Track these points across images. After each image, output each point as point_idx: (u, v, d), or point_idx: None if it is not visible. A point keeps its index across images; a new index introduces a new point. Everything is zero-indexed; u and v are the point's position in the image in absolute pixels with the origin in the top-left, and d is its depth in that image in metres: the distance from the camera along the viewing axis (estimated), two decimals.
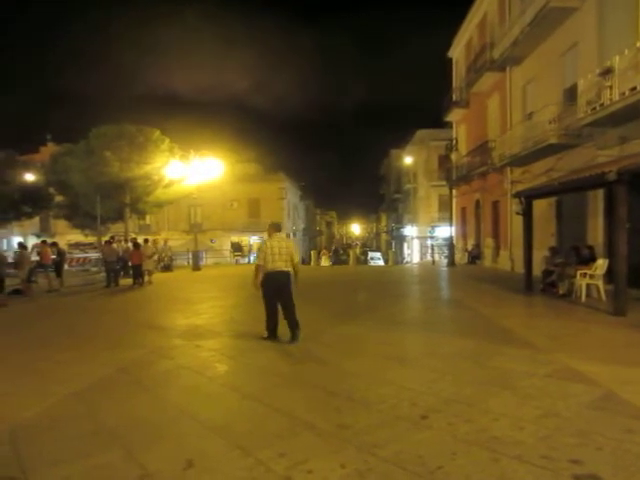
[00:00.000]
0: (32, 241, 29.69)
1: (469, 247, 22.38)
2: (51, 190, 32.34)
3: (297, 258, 6.74)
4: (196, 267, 20.96)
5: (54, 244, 16.58)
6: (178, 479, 2.91)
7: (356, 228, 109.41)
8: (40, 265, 15.44)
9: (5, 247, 37.35)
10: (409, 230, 40.75)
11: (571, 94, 12.19)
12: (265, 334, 6.62)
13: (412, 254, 38.95)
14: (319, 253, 31.45)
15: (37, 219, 38.88)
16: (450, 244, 21.74)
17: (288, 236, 42.35)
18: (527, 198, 11.10)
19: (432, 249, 27.74)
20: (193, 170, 21.66)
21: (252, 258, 29.57)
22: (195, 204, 25.60)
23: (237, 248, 27.98)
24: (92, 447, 3.39)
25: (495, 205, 19.09)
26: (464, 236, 23.86)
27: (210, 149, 23.01)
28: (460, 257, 22.75)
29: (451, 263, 20.61)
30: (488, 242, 20.03)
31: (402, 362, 5.40)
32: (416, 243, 38.13)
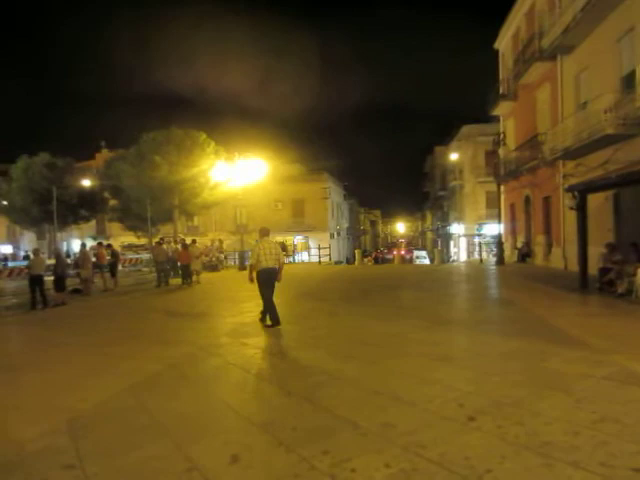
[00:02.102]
0: (89, 243, 31.23)
1: (519, 245, 21.58)
2: (105, 194, 33.99)
3: (283, 258, 8.12)
4: (242, 267, 21.35)
5: (109, 246, 17.37)
6: (224, 473, 2.96)
7: (401, 227, 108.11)
8: (96, 266, 16.23)
9: (65, 249, 39.48)
10: (455, 228, 39.79)
11: (629, 81, 11.49)
12: (269, 322, 7.60)
13: (459, 252, 38.03)
14: (364, 254, 31.22)
15: (93, 222, 40.93)
16: (499, 242, 21.03)
17: (332, 236, 42.45)
18: (581, 192, 10.57)
19: (480, 247, 26.97)
20: (238, 172, 22.09)
21: (297, 258, 29.83)
22: (240, 205, 26.13)
23: (282, 248, 28.30)
24: (143, 439, 3.52)
25: (546, 201, 18.30)
26: (513, 233, 23.03)
27: (254, 151, 23.39)
28: (509, 255, 21.98)
29: (500, 261, 19.93)
30: (539, 239, 19.23)
31: (449, 362, 5.27)
32: (463, 241, 37.19)
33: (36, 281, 12.14)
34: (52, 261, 15.20)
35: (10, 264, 30.02)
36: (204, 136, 27.42)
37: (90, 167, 38.58)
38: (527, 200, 20.60)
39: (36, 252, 13.64)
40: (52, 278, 13.32)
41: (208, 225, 40.20)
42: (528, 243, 20.69)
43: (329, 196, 42.79)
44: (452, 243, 42.47)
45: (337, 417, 3.73)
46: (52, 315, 11.03)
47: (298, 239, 39.93)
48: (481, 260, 24.02)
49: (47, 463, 3.23)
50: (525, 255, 20.47)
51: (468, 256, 34.01)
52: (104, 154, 41.58)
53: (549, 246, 18.15)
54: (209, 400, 4.36)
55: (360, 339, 6.56)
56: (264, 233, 8.06)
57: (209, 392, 4.59)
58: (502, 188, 22.57)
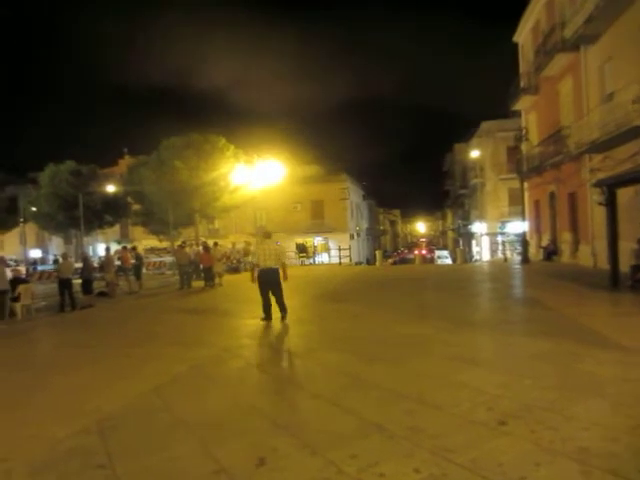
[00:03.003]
0: (113, 247, 31.86)
1: (544, 242, 21.12)
2: (129, 199, 34.64)
3: (284, 258, 8.72)
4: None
5: (134, 249, 17.63)
6: (251, 476, 2.94)
7: (421, 226, 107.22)
8: (121, 269, 16.51)
9: (91, 253, 40.31)
10: (477, 227, 39.20)
11: None
12: (262, 316, 8.20)
13: (481, 252, 37.44)
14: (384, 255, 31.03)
15: (117, 227, 41.78)
16: (523, 240, 20.62)
17: (352, 237, 42.32)
18: (610, 187, 10.26)
19: (503, 246, 26.52)
20: (257, 174, 22.21)
21: (317, 259, 29.85)
22: (260, 207, 26.26)
23: (302, 249, 28.32)
24: (170, 440, 3.53)
25: (572, 196, 17.86)
26: (538, 231, 22.55)
27: (272, 153, 23.49)
28: (534, 253, 21.53)
29: (525, 260, 19.54)
30: (565, 236, 18.78)
31: (476, 364, 5.15)
32: (485, 240, 36.61)
33: (65, 284, 12.41)
34: (79, 265, 15.53)
35: (40, 268, 30.83)
36: (223, 140, 27.70)
37: (113, 173, 39.37)
38: (552, 196, 20.15)
39: (65, 256, 13.96)
40: (80, 281, 13.61)
41: (228, 228, 40.52)
42: (554, 240, 20.23)
43: (348, 197, 42.68)
44: (474, 242, 41.86)
45: (363, 420, 3.67)
46: (80, 317, 11.26)
47: (318, 240, 39.92)
48: (505, 259, 23.61)
49: (79, 462, 3.27)
50: (551, 253, 20.02)
51: (491, 255, 33.47)
52: (127, 160, 42.36)
53: (576, 243, 17.70)
54: (233, 401, 4.35)
55: (383, 340, 6.49)
56: (265, 236, 8.97)
57: (233, 393, 4.59)
58: (525, 184, 22.12)
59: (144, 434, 3.70)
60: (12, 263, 30.61)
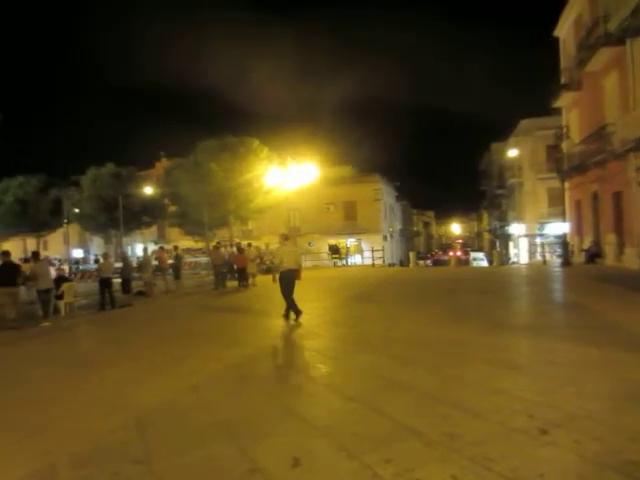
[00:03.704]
0: (151, 248, 32.77)
1: (586, 245, 20.33)
2: (165, 201, 35.55)
3: (301, 260, 9.36)
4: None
5: (175, 248, 17.96)
6: (286, 476, 2.95)
7: (456, 228, 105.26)
8: (158, 269, 16.94)
9: (130, 253, 41.56)
10: (515, 228, 38.15)
11: None
12: (284, 313, 8.59)
13: (519, 254, 36.41)
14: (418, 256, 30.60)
15: (155, 227, 42.94)
16: (563, 242, 19.90)
17: (385, 238, 42.00)
18: None
19: (542, 248, 25.69)
20: (290, 176, 22.34)
21: (350, 260, 29.74)
22: (293, 208, 26.40)
23: (335, 250, 28.28)
24: (206, 438, 3.58)
25: (617, 196, 17.12)
26: (580, 232, 21.73)
27: (305, 154, 23.59)
28: (576, 256, 20.76)
29: (565, 263, 18.85)
30: (609, 238, 18.02)
31: (515, 370, 5.00)
32: (523, 242, 35.58)
33: (105, 283, 12.83)
34: (119, 264, 16.05)
35: (81, 267, 32.05)
36: (257, 142, 28.06)
37: (151, 176, 40.48)
38: (595, 196, 19.38)
39: (105, 256, 14.44)
40: (119, 280, 14.05)
41: (262, 229, 40.94)
42: (597, 242, 19.45)
43: (381, 197, 42.39)
44: (511, 244, 40.76)
45: (398, 424, 3.62)
46: (119, 315, 11.62)
47: (351, 241, 39.79)
48: (544, 261, 22.87)
49: (118, 457, 3.37)
50: (594, 255, 19.25)
51: (530, 257, 32.47)
52: (164, 163, 43.52)
53: (621, 245, 16.96)
54: (269, 401, 4.37)
55: (419, 343, 6.39)
56: (285, 238, 9.32)
57: (268, 393, 4.62)
58: (566, 184, 21.37)
59: (181, 432, 3.77)
60: (56, 262, 31.98)
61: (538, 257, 27.47)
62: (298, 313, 8.46)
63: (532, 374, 4.84)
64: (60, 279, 12.65)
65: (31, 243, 39.59)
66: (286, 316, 8.59)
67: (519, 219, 36.79)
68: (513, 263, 33.38)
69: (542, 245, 26.88)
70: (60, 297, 11.93)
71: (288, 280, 8.59)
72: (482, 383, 4.54)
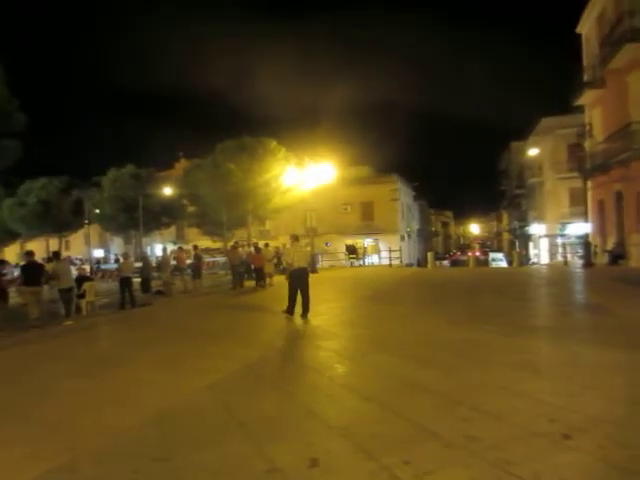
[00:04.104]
0: (170, 248, 33.14)
1: (609, 245, 19.88)
2: (184, 201, 35.94)
3: (309, 258, 9.78)
4: (313, 270, 21.54)
5: (195, 247, 18.11)
6: (304, 476, 2.94)
7: (474, 228, 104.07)
8: (177, 268, 17.13)
9: (149, 252, 42.16)
10: (535, 228, 37.55)
11: None
12: (284, 310, 8.95)
13: (539, 254, 35.82)
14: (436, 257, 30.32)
15: (173, 228, 43.45)
16: (586, 242, 19.49)
17: (402, 238, 41.76)
18: None
19: (563, 248, 25.21)
20: (308, 176, 22.37)
21: (367, 261, 29.64)
22: (310, 208, 26.42)
23: (352, 250, 28.19)
24: (225, 437, 3.61)
25: None
26: (602, 233, 21.27)
27: (323, 154, 23.57)
28: (598, 257, 20.32)
29: (588, 264, 18.46)
30: (634, 239, 17.58)
31: (536, 372, 4.91)
32: (544, 242, 34.99)
33: (125, 282, 13.03)
34: (139, 264, 16.28)
35: (102, 267, 32.62)
36: (274, 143, 28.18)
37: (170, 176, 40.96)
38: (618, 196, 18.95)
39: (126, 256, 14.66)
40: (139, 280, 14.25)
41: (279, 229, 41.07)
42: (621, 243, 19.00)
43: (399, 197, 42.15)
44: (532, 244, 40.13)
45: (416, 426, 3.59)
46: (139, 314, 11.78)
47: (368, 242, 39.67)
48: (565, 262, 22.45)
49: (139, 454, 3.40)
50: (617, 257, 18.81)
51: (550, 258, 31.91)
52: (182, 164, 43.99)
53: None
54: (286, 401, 4.38)
55: (437, 345, 6.33)
56: (295, 239, 9.64)
57: (286, 393, 4.62)
58: (589, 184, 20.94)
59: (199, 430, 3.79)
60: (77, 262, 32.62)
61: (559, 258, 26.95)
62: (292, 310, 8.87)
63: (553, 377, 4.75)
64: (82, 278, 12.88)
65: (54, 243, 40.42)
66: (290, 313, 8.91)
67: (539, 219, 36.20)
68: (533, 264, 32.85)
69: (563, 246, 26.34)
70: (82, 296, 12.15)
71: (300, 278, 8.95)
72: (502, 385, 4.47)
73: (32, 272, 10.30)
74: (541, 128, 34.25)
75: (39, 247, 36.43)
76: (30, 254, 10.89)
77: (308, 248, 23.17)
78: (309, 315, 8.78)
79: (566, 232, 31.03)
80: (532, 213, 39.47)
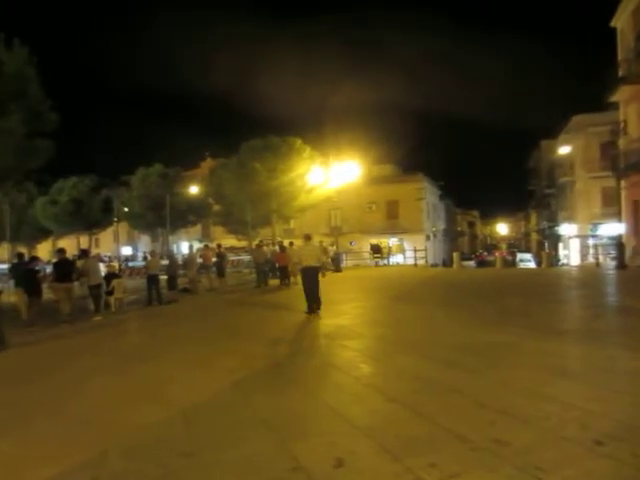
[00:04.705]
0: (196, 246, 33.65)
1: None
2: (210, 200, 36.41)
3: (323, 257, 10.75)
4: (337, 269, 21.57)
5: (219, 246, 18.35)
6: (329, 476, 2.94)
7: (502, 228, 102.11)
8: (202, 266, 17.36)
9: (175, 250, 42.90)
10: (565, 228, 36.59)
11: None
12: (306, 310, 9.22)
13: (569, 255, 34.90)
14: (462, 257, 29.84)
15: (199, 226, 44.08)
16: (619, 243, 18.88)
17: (428, 238, 41.32)
18: None
19: (595, 250, 24.49)
20: (332, 174, 22.37)
21: (391, 260, 29.45)
22: (334, 207, 26.39)
23: (376, 250, 28.00)
24: (250, 434, 3.64)
25: None
26: (637, 234, 20.56)
27: (348, 152, 23.52)
28: (632, 259, 19.66)
29: (621, 265, 17.88)
30: None
31: (566, 376, 4.79)
32: (574, 243, 34.07)
33: (153, 280, 13.28)
34: (165, 262, 16.58)
35: (130, 264, 33.35)
36: (299, 142, 28.26)
37: (196, 175, 41.57)
38: None
39: (153, 253, 14.96)
40: (166, 277, 14.51)
41: (303, 228, 41.13)
42: None
43: (424, 197, 41.71)
44: (561, 245, 39.12)
45: (442, 428, 3.54)
46: (166, 311, 12.00)
47: (393, 241, 39.40)
48: (597, 264, 21.81)
49: (166, 449, 3.46)
50: None
51: (581, 259, 31.07)
52: (208, 162, 44.55)
53: None
54: (311, 400, 4.39)
55: (463, 346, 6.23)
56: (307, 238, 10.08)
57: (310, 392, 4.63)
58: (622, 183, 20.26)
59: (224, 427, 3.84)
60: (106, 259, 33.44)
61: (590, 259, 26.22)
62: (310, 308, 9.23)
63: (585, 381, 4.62)
64: (110, 275, 13.19)
65: (84, 241, 41.55)
66: (310, 311, 9.22)
67: (570, 219, 35.26)
68: (563, 265, 32.04)
69: (595, 247, 25.59)
70: (111, 293, 12.44)
71: (306, 276, 9.38)
72: (530, 389, 4.38)
73: (64, 269, 10.60)
74: (572, 126, 33.35)
75: (70, 244, 37.53)
76: (62, 251, 11.22)
77: (333, 247, 23.23)
78: (320, 311, 9.30)
79: (598, 233, 30.13)
80: (562, 213, 38.47)
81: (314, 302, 9.29)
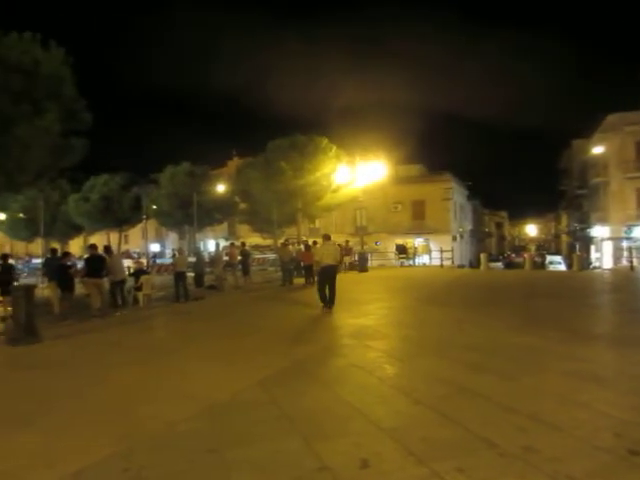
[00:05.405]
0: (222, 244, 33.97)
1: None
2: (236, 199, 36.76)
3: (340, 257, 11.36)
4: (362, 269, 21.47)
5: (243, 244, 18.51)
6: (355, 477, 2.93)
7: (531, 229, 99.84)
8: (228, 264, 17.55)
9: (202, 248, 43.47)
10: (598, 230, 35.50)
11: None
12: (321, 304, 9.73)
13: (602, 258, 33.85)
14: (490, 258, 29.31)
15: (225, 224, 44.57)
16: None
17: (454, 238, 40.74)
18: None
19: (629, 252, 23.67)
20: (358, 174, 22.27)
21: (417, 261, 29.14)
22: (360, 207, 26.28)
23: (402, 250, 27.73)
24: (274, 432, 3.66)
25: None
26: None
27: (374, 151, 23.38)
28: None
29: None
30: None
31: (598, 383, 4.64)
32: (607, 245, 33.03)
33: (180, 277, 13.49)
34: (193, 259, 16.82)
35: (158, 261, 34.01)
36: (326, 141, 28.23)
37: (223, 174, 42.03)
38: None
39: (180, 251, 15.19)
40: (193, 274, 14.72)
41: (328, 227, 41.13)
42: None
43: (451, 197, 41.11)
44: (593, 247, 37.96)
45: (470, 432, 3.48)
46: (193, 308, 12.16)
47: (419, 241, 38.98)
48: (631, 267, 21.08)
49: (192, 445, 3.51)
50: None
51: (614, 262, 30.10)
52: (235, 161, 44.99)
53: None
54: (335, 400, 4.38)
55: (490, 349, 6.12)
56: (326, 238, 10.57)
57: (335, 392, 4.62)
58: None
59: (251, 424, 3.86)
60: (135, 256, 34.16)
61: (624, 262, 25.37)
62: (326, 303, 9.71)
63: (618, 388, 4.47)
64: (139, 272, 13.43)
65: (114, 237, 42.52)
66: (326, 306, 9.67)
67: (603, 221, 34.19)
68: (595, 268, 31.09)
69: (629, 249, 24.73)
70: (139, 289, 12.69)
71: (327, 275, 9.81)
72: (561, 395, 4.26)
73: (95, 264, 10.86)
74: (607, 125, 32.33)
75: (100, 240, 38.34)
76: (93, 247, 11.49)
77: (357, 247, 23.13)
78: (334, 307, 9.75)
79: (632, 235, 29.13)
80: (595, 214, 37.33)
81: (331, 299, 9.72)
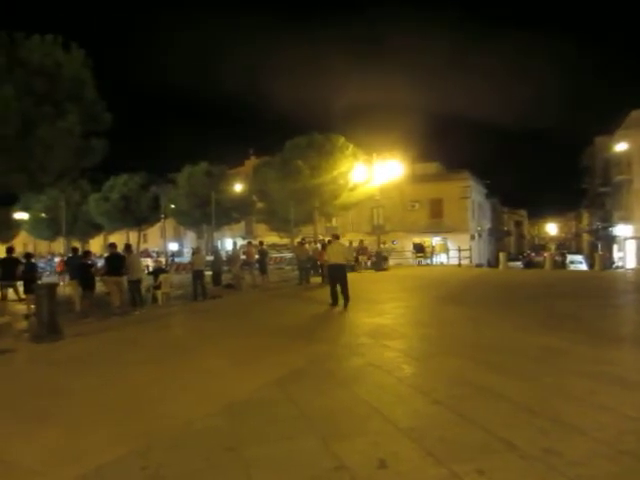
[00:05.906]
0: (239, 243, 34.17)
1: None
2: (253, 198, 36.96)
3: (348, 255, 11.67)
4: (380, 268, 21.38)
5: (261, 243, 18.59)
6: (372, 477, 2.92)
7: (551, 228, 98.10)
8: (246, 263, 17.65)
9: (220, 247, 43.84)
10: (621, 229, 34.70)
11: None
12: (330, 301, 10.03)
13: (625, 258, 33.08)
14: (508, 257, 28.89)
15: (243, 223, 44.84)
16: None
17: (472, 237, 40.28)
18: None
19: None
20: (375, 172, 22.17)
21: (435, 260, 28.89)
22: (377, 206, 26.17)
23: (419, 249, 27.51)
24: (292, 431, 3.66)
25: None
26: None
27: (391, 150, 23.25)
28: None
29: None
30: None
31: (622, 385, 4.53)
32: (631, 245, 32.26)
33: (198, 275, 13.62)
34: (210, 258, 16.97)
35: (176, 260, 34.40)
36: (342, 139, 28.19)
37: (240, 173, 42.27)
38: None
39: (198, 250, 15.34)
40: (210, 273, 14.84)
41: (345, 226, 41.10)
42: None
43: (470, 195, 40.63)
44: (616, 247, 37.12)
45: (489, 433, 3.43)
46: (210, 306, 12.27)
47: (436, 240, 38.64)
48: None
49: (210, 443, 3.53)
50: None
51: (638, 262, 29.39)
52: (252, 161, 45.19)
53: None
54: (353, 399, 4.37)
55: (510, 350, 6.03)
56: (335, 237, 11.01)
57: (352, 391, 4.61)
58: None
59: (268, 423, 3.87)
60: (154, 255, 34.60)
61: None
62: (333, 300, 10.00)
63: None
64: (158, 270, 13.62)
65: (133, 236, 43.12)
66: (335, 304, 9.94)
67: (626, 220, 33.40)
68: (617, 268, 30.40)
69: None
70: (158, 287, 12.85)
71: (335, 273, 10.07)
72: (583, 397, 4.18)
73: (115, 263, 11.04)
74: (631, 121, 31.55)
75: (120, 239, 38.89)
76: (113, 246, 11.68)
77: (375, 246, 23.03)
78: (349, 305, 9.87)
79: None
80: (618, 213, 36.49)
81: (345, 298, 9.87)
